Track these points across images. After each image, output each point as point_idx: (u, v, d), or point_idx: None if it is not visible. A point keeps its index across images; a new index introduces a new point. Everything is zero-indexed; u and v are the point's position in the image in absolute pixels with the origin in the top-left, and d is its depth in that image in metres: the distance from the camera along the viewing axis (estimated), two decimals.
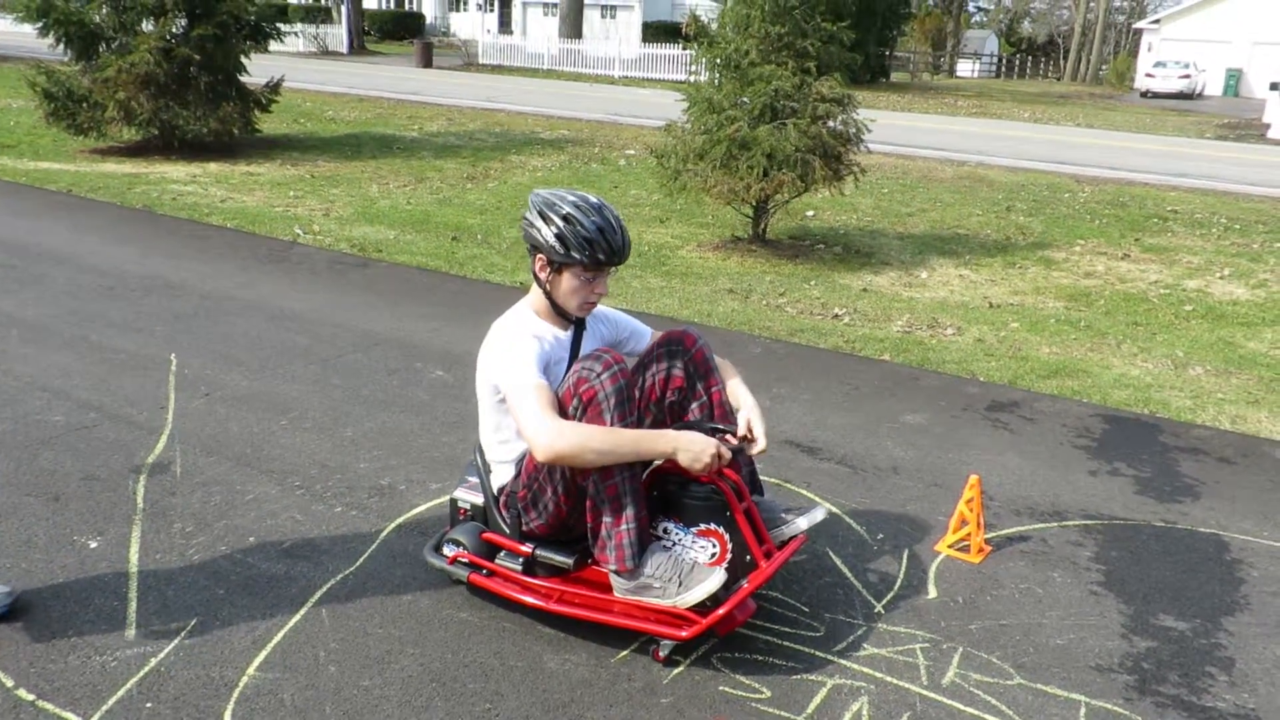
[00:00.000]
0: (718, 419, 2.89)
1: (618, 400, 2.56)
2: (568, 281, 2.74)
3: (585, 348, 2.87)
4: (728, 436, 2.82)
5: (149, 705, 2.44)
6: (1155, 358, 5.77)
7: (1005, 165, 13.79)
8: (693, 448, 2.59)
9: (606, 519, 2.63)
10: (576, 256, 2.68)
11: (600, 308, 2.95)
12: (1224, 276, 7.94)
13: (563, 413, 2.61)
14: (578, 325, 2.88)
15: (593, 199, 2.75)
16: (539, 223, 2.71)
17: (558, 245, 2.68)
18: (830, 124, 7.54)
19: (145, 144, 11.53)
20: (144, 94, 10.77)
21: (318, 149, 12.33)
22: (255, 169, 10.84)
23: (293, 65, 21.57)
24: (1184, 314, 6.79)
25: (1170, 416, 4.79)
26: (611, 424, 2.56)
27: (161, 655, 2.63)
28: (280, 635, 2.75)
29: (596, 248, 2.68)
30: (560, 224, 2.68)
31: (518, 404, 2.59)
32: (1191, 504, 3.82)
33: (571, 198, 2.73)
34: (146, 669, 2.57)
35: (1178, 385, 5.28)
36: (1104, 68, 49.22)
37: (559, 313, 2.81)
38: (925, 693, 2.64)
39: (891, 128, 15.40)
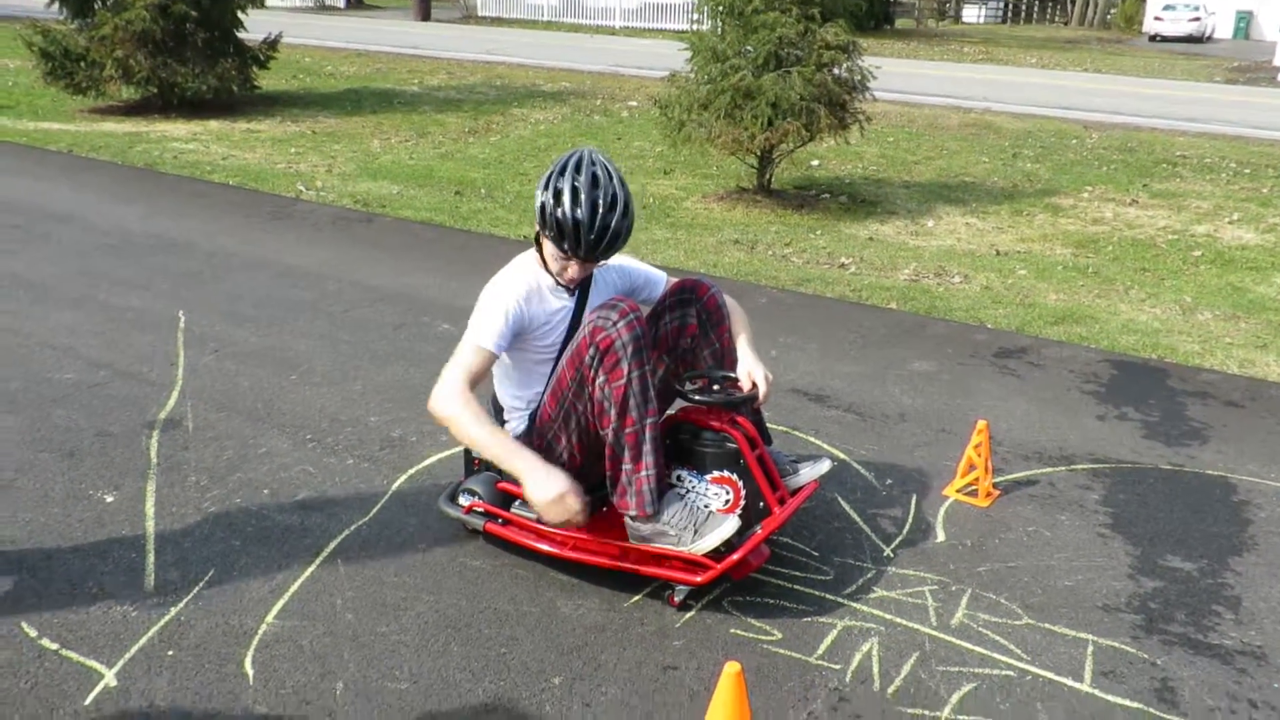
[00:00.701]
0: (728, 366, 2.90)
1: (634, 348, 2.56)
2: (549, 248, 2.71)
3: (592, 299, 2.87)
4: (738, 385, 2.84)
5: (170, 653, 2.48)
6: (1163, 303, 5.75)
7: (1012, 112, 13.65)
8: (540, 497, 2.56)
9: (626, 465, 2.65)
10: (548, 233, 2.65)
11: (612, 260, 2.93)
12: (1233, 221, 7.89)
13: (579, 361, 2.62)
14: (581, 287, 2.85)
15: (610, 194, 2.60)
16: (543, 182, 2.67)
17: (539, 213, 2.65)
18: (835, 72, 7.45)
19: (145, 103, 11.44)
20: (141, 52, 10.66)
21: (318, 105, 12.24)
22: (256, 126, 10.77)
23: (291, 21, 21.32)
24: (1192, 259, 6.76)
25: (1178, 361, 4.79)
26: (628, 372, 2.57)
27: (181, 605, 2.67)
28: (297, 584, 2.79)
29: (565, 235, 2.61)
30: (550, 196, 2.62)
31: (455, 354, 2.67)
32: (1199, 447, 3.83)
33: (584, 177, 2.61)
34: (167, 618, 2.61)
35: (1186, 330, 5.27)
36: (1112, 11, 48.44)
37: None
38: (934, 633, 2.67)
39: (897, 75, 15.22)
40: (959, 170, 9.54)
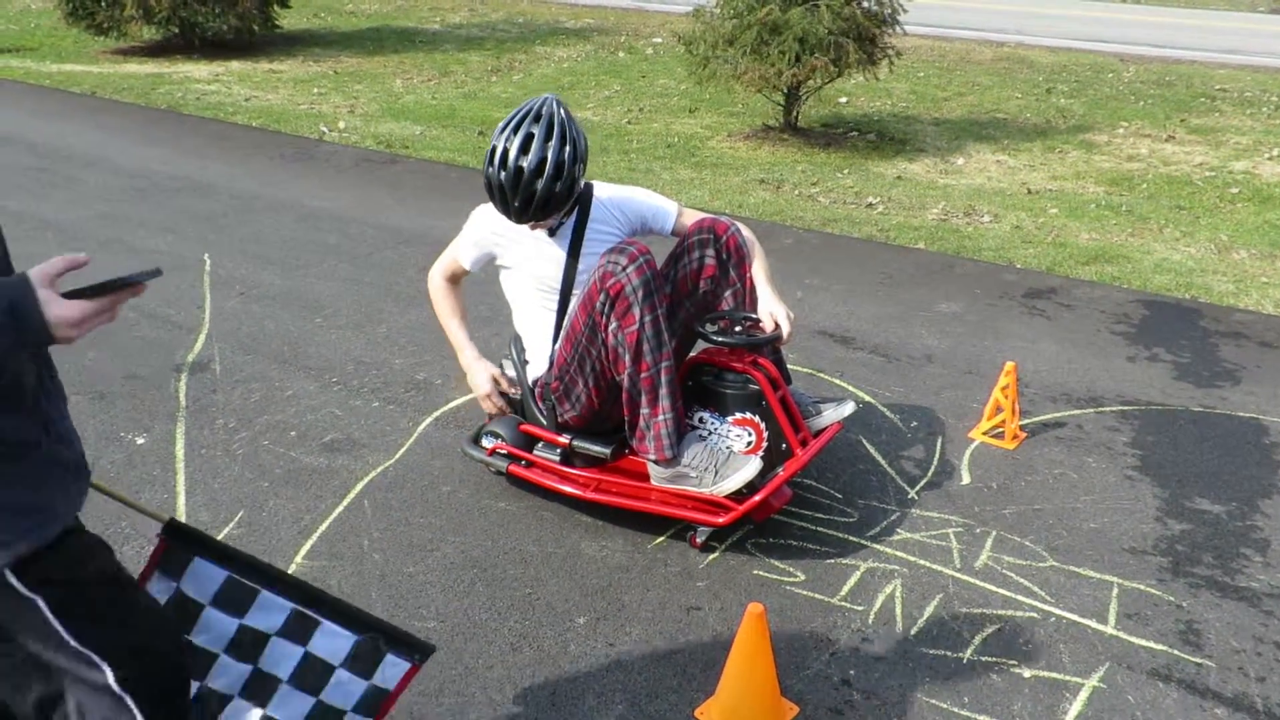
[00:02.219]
0: (749, 307, 2.87)
1: (645, 293, 2.54)
2: None
3: (589, 235, 2.80)
4: (760, 326, 2.81)
5: None
6: (1198, 242, 5.64)
7: (1047, 45, 13.30)
8: (472, 379, 2.98)
9: (644, 410, 2.65)
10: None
11: (612, 193, 2.88)
12: (1273, 157, 7.68)
13: (590, 307, 2.62)
14: (580, 213, 2.81)
15: (538, 158, 2.56)
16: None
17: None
18: (864, 4, 7.27)
19: (166, 43, 11.37)
20: None
21: (339, 44, 12.12)
22: (277, 66, 10.69)
23: None
24: (1229, 196, 6.60)
25: (1212, 301, 4.70)
26: (640, 317, 2.55)
27: None
28: (325, 525, 2.82)
29: (493, 196, 2.65)
30: (487, 154, 2.62)
31: (449, 246, 2.94)
32: (1231, 388, 3.77)
33: (519, 138, 2.57)
34: None
35: (1221, 269, 5.17)
36: None
37: None
38: (958, 575, 2.67)
39: (928, 8, 14.84)
40: (990, 106, 9.33)
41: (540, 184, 2.57)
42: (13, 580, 1.39)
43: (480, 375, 2.95)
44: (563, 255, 2.78)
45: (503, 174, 2.57)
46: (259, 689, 1.69)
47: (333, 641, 1.69)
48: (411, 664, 1.75)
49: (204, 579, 1.62)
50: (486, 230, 2.83)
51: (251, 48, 11.47)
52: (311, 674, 1.70)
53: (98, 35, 10.97)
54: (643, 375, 2.61)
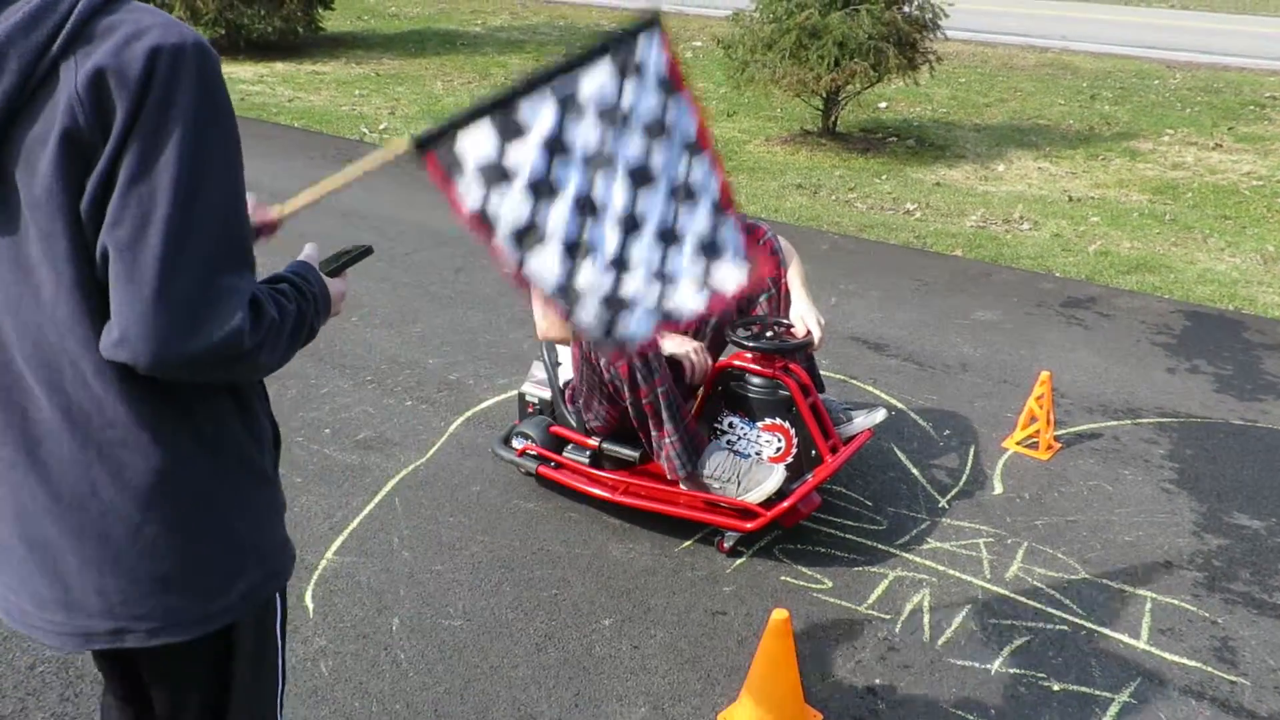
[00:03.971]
0: (784, 311, 2.86)
1: None
2: None
3: None
4: (792, 331, 2.80)
5: None
6: (1244, 252, 5.53)
7: (1091, 51, 13.12)
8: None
9: (653, 433, 2.66)
10: None
11: None
12: None
13: (579, 342, 2.69)
14: None
15: None
16: None
17: None
18: (905, 9, 7.22)
19: (213, 44, 11.52)
20: None
21: (382, 47, 12.25)
22: (320, 68, 10.83)
23: None
24: (1278, 207, 6.47)
25: (1256, 313, 4.62)
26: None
27: None
28: (356, 522, 2.85)
29: None
30: None
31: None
32: (1273, 402, 3.70)
33: None
34: None
35: (1266, 281, 5.07)
36: None
37: None
38: (988, 586, 2.65)
39: (970, 13, 14.70)
40: (1033, 112, 9.23)
41: None
42: (277, 605, 1.37)
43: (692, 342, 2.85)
44: None
45: None
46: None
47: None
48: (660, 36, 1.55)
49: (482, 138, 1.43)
50: None
51: (295, 49, 11.63)
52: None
53: None
54: (644, 402, 2.62)
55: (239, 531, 1.26)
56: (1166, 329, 4.37)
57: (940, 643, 2.44)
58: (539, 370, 3.04)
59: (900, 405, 3.62)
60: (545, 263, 1.49)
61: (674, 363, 2.80)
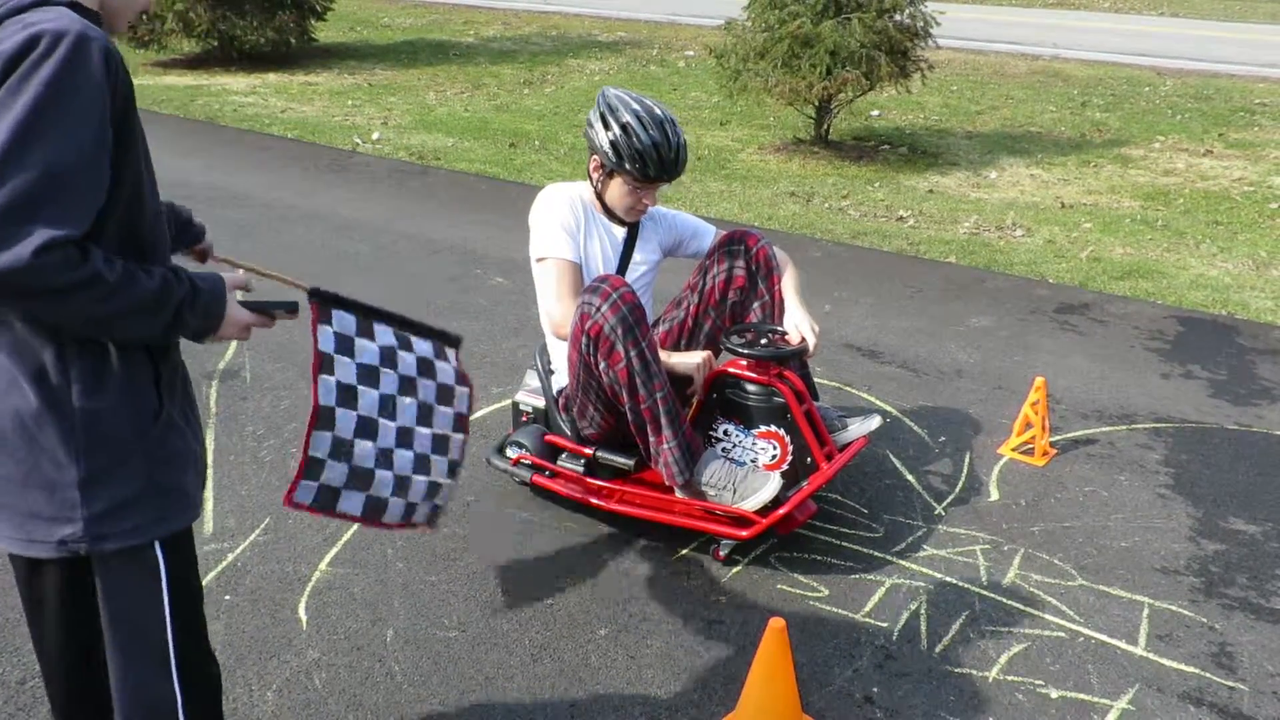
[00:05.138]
0: (777, 319, 2.86)
1: (624, 329, 2.52)
2: (618, 187, 2.73)
3: (638, 249, 2.88)
4: (786, 338, 2.80)
5: (227, 598, 2.55)
6: (1236, 258, 5.55)
7: (1082, 58, 13.18)
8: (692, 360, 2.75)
9: (650, 438, 2.64)
10: (627, 167, 2.65)
11: (658, 208, 2.92)
12: None
13: (576, 346, 2.61)
14: (631, 225, 2.86)
15: (658, 111, 2.68)
16: (598, 125, 2.69)
17: (611, 152, 2.66)
18: (897, 18, 7.24)
19: (205, 56, 11.56)
20: (201, 4, 10.75)
21: (374, 57, 12.26)
22: (313, 79, 10.83)
23: None
24: (1269, 212, 6.50)
25: (1249, 318, 4.63)
26: (625, 353, 2.53)
27: (238, 551, 2.74)
28: (349, 534, 2.84)
29: (648, 162, 2.65)
30: (617, 131, 2.64)
31: (540, 277, 2.75)
32: (1268, 407, 3.71)
33: (635, 105, 2.67)
34: (224, 564, 2.68)
35: (1258, 286, 5.09)
36: None
37: (609, 211, 2.81)
38: (984, 593, 2.64)
39: (962, 21, 14.76)
40: (1025, 120, 9.26)
41: (680, 134, 2.70)
42: (159, 555, 1.48)
43: (698, 356, 2.81)
44: (618, 250, 2.81)
45: (653, 133, 2.64)
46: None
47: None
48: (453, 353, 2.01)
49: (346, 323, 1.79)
50: (567, 215, 2.76)
51: (288, 60, 11.63)
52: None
53: (139, 48, 11.17)
54: (642, 407, 2.61)
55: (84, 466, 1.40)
56: (1160, 334, 4.37)
57: (937, 650, 2.43)
58: (532, 379, 3.03)
59: (895, 412, 3.61)
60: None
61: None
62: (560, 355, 2.90)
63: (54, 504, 1.39)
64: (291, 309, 1.62)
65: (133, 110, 1.37)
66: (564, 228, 2.74)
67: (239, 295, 1.56)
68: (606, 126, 2.67)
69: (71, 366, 1.37)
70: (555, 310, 2.71)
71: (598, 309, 2.53)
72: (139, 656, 1.52)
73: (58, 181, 1.25)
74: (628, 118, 2.65)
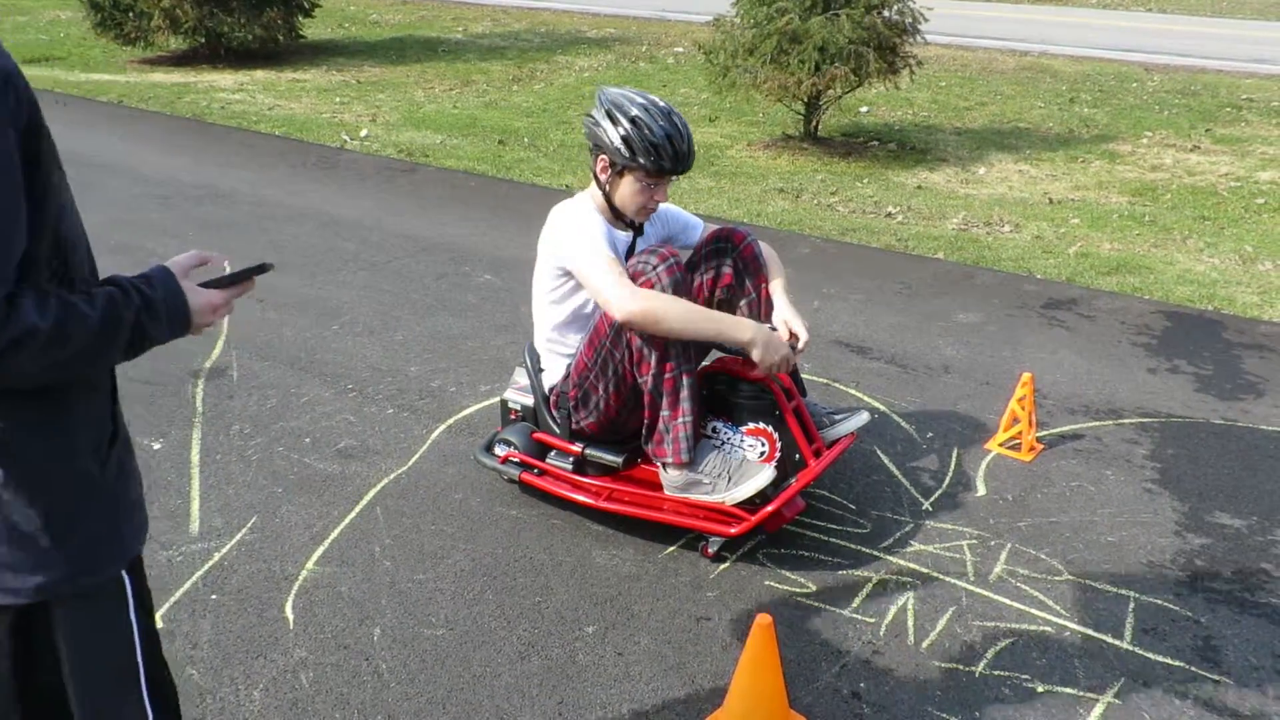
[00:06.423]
0: (765, 316, 2.86)
1: (674, 293, 2.54)
2: (629, 185, 2.70)
3: (639, 248, 2.87)
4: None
5: (214, 597, 2.54)
6: (1222, 253, 5.57)
7: (1070, 55, 13.21)
8: (770, 347, 2.61)
9: (664, 412, 2.64)
10: (641, 161, 2.63)
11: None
12: None
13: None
14: (635, 228, 2.83)
15: (661, 103, 2.67)
16: (605, 123, 2.66)
17: (623, 148, 2.63)
18: (885, 14, 7.25)
19: (193, 53, 11.50)
20: (188, 2, 10.69)
21: (363, 54, 12.22)
22: (301, 76, 10.78)
23: None
24: (1255, 207, 6.53)
25: (1236, 313, 4.65)
26: None
27: (224, 550, 2.73)
28: (336, 532, 2.83)
29: (662, 154, 2.62)
30: (627, 126, 2.62)
31: (592, 273, 2.61)
32: (1254, 401, 3.72)
33: (640, 100, 2.66)
34: (210, 563, 2.67)
35: (1245, 281, 5.11)
36: None
37: (616, 214, 2.77)
38: (972, 588, 2.64)
39: (950, 17, 14.79)
40: (1013, 116, 9.28)
41: (688, 127, 2.69)
42: (125, 578, 1.40)
43: (776, 335, 2.69)
44: (624, 254, 2.81)
45: (664, 125, 2.62)
46: None
47: None
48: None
49: None
50: (590, 222, 2.71)
51: (276, 57, 11.58)
52: None
53: (125, 45, 11.11)
54: (666, 376, 2.60)
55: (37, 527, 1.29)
56: (1147, 329, 4.39)
57: (924, 645, 2.43)
58: (521, 377, 3.03)
59: (883, 408, 3.62)
60: None
61: (698, 349, 2.74)
62: (550, 353, 2.89)
63: (25, 552, 1.29)
64: (261, 269, 1.52)
65: (39, 121, 1.22)
66: (598, 231, 2.69)
67: (200, 276, 1.42)
68: (615, 123, 2.64)
69: (13, 415, 1.25)
70: (621, 291, 2.54)
71: (654, 268, 2.55)
72: (110, 683, 1.45)
73: None
74: (636, 111, 2.63)
